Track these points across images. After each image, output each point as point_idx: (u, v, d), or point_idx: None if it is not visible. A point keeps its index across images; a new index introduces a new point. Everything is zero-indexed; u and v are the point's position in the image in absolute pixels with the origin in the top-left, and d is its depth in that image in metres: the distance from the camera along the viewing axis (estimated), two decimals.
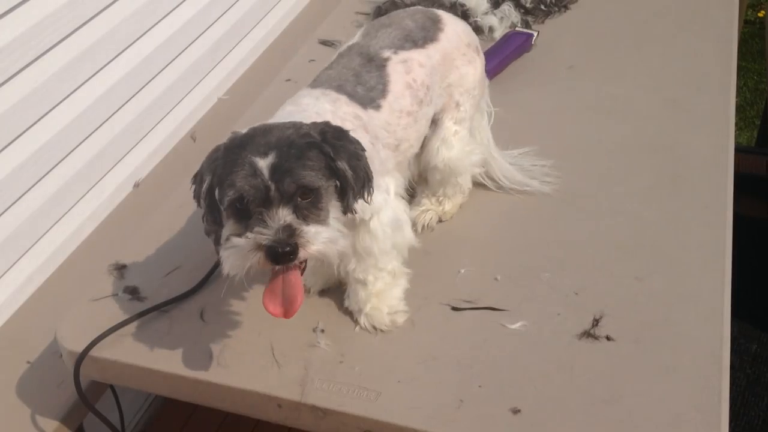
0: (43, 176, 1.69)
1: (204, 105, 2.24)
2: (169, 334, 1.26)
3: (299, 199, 1.03)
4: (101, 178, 1.87)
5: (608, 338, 1.21)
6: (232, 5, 2.34)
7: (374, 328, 1.25)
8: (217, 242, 1.09)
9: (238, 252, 1.02)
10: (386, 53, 1.30)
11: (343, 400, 1.14)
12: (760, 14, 4.45)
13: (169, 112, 2.10)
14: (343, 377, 1.18)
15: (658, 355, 1.18)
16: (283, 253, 1.00)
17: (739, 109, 3.92)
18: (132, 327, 1.27)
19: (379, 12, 2.16)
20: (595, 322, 1.24)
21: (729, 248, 1.36)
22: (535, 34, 1.98)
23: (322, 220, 1.05)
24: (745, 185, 2.43)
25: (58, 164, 1.73)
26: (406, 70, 1.30)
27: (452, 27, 1.40)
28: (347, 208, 1.10)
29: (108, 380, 1.30)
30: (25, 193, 1.64)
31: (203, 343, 1.24)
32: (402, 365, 1.19)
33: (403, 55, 1.31)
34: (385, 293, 1.25)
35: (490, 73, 1.85)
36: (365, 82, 1.26)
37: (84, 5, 1.75)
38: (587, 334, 1.22)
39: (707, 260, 1.34)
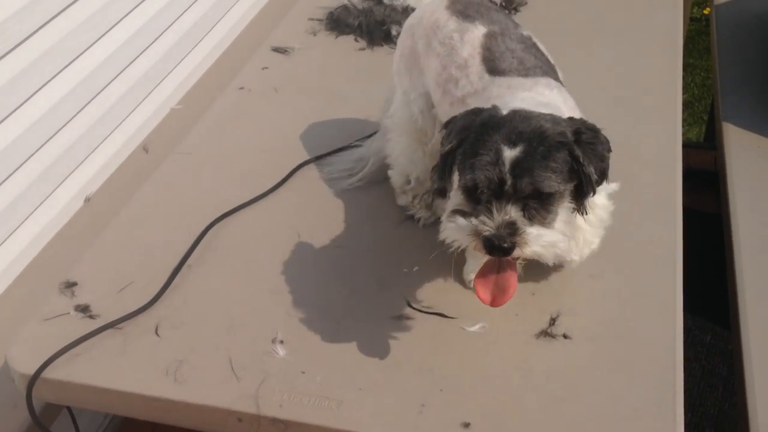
0: None
1: (156, 115, 2.20)
2: (123, 352, 1.24)
3: (531, 199, 1.05)
4: (50, 193, 1.83)
5: (565, 336, 1.22)
6: (183, 13, 2.31)
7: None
8: (439, 195, 1.16)
9: (458, 230, 1.06)
10: (524, 32, 1.33)
11: (305, 411, 1.13)
12: (706, 11, 4.57)
13: (120, 124, 2.06)
14: (304, 388, 1.17)
15: (614, 352, 1.20)
16: (498, 247, 1.03)
17: (688, 105, 4.01)
18: (85, 346, 1.24)
19: (332, 18, 2.15)
20: (552, 321, 1.25)
21: (680, 243, 1.38)
22: None
23: (548, 223, 1.07)
24: (695, 180, 2.48)
25: (5, 180, 1.68)
26: (540, 42, 1.34)
27: None
28: (581, 209, 1.12)
29: (62, 402, 1.27)
30: None
31: (159, 359, 1.22)
32: (364, 373, 1.19)
33: (527, 31, 1.35)
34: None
35: None
36: (545, 63, 1.28)
37: (29, 17, 1.71)
38: (544, 334, 1.23)
39: (659, 255, 1.36)
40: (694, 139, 3.66)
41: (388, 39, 2.05)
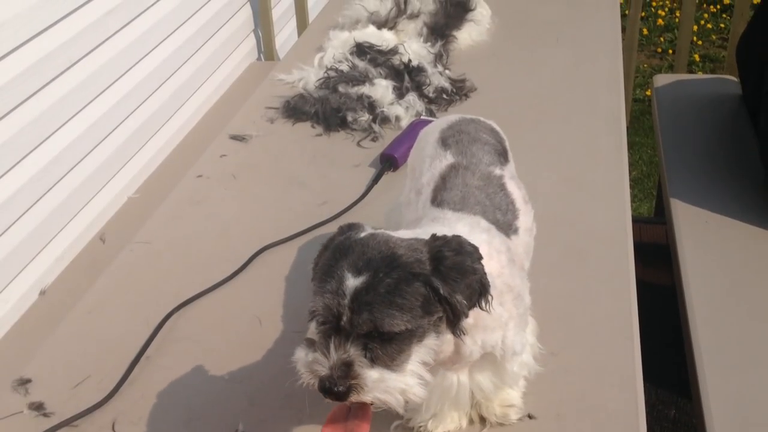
0: None
1: (113, 205, 2.20)
2: None
3: (372, 339, 0.92)
4: (5, 287, 1.80)
5: (530, 417, 1.22)
6: (141, 104, 2.35)
7: (482, 419, 1.19)
8: None
9: (298, 365, 0.96)
10: (497, 170, 1.22)
11: None
12: (648, 93, 4.80)
13: (76, 214, 2.06)
14: None
15: (578, 430, 1.20)
16: (330, 391, 0.91)
17: (638, 181, 4.16)
18: None
19: (289, 106, 2.20)
20: None
21: (635, 317, 1.41)
22: None
23: (396, 365, 0.93)
24: (650, 254, 2.56)
25: None
26: (517, 185, 1.24)
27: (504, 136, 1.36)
28: (456, 332, 0.98)
29: None
30: None
31: None
32: None
33: (506, 170, 1.25)
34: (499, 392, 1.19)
35: (400, 158, 1.91)
36: (498, 205, 1.17)
37: None
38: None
39: (616, 330, 1.38)
40: (645, 214, 3.77)
41: (344, 125, 2.10)
